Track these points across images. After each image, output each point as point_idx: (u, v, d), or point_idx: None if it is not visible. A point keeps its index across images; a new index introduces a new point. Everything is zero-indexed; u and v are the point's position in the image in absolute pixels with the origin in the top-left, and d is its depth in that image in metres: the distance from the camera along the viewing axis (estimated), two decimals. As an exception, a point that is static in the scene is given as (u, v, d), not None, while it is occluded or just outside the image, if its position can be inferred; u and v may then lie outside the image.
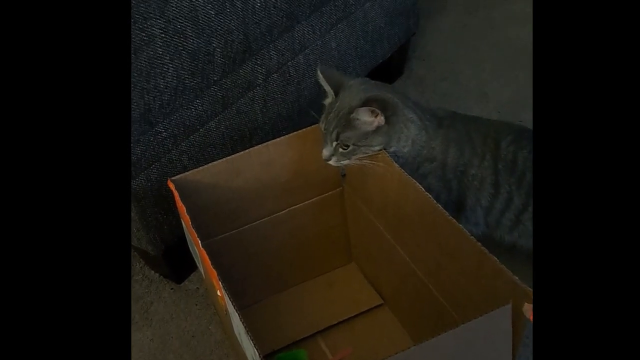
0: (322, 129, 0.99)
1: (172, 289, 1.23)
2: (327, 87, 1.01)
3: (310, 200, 1.12)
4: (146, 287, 1.24)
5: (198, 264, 1.00)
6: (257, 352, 0.71)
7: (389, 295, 1.14)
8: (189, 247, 1.00)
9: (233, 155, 1.02)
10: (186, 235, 0.98)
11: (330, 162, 0.99)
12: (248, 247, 1.11)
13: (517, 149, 1.01)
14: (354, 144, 0.96)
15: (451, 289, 0.92)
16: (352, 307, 1.14)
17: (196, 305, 1.20)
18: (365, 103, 0.94)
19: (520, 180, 1.01)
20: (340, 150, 0.97)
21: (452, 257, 0.88)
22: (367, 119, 0.95)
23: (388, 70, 1.61)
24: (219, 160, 1.01)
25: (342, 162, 0.98)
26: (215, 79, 1.08)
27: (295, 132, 1.05)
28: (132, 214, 1.07)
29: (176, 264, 1.22)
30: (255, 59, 1.15)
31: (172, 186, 0.96)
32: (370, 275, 1.19)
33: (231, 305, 0.77)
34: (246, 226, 1.09)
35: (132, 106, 0.97)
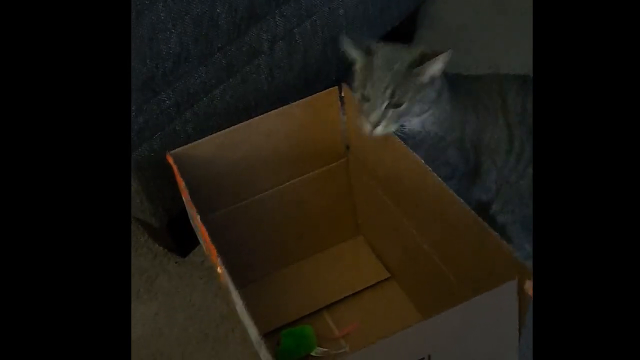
0: (364, 94, 0.94)
1: (176, 262, 1.21)
2: (356, 52, 0.96)
3: (314, 172, 1.10)
4: (150, 260, 1.22)
5: (199, 239, 0.98)
6: (256, 331, 0.69)
7: (396, 268, 1.12)
8: (190, 221, 0.98)
9: (233, 127, 1.00)
10: (187, 210, 0.96)
11: (377, 130, 0.93)
12: (252, 220, 1.08)
13: (524, 98, 0.99)
14: (409, 100, 0.92)
15: (456, 264, 0.91)
16: (359, 281, 1.12)
17: (201, 278, 1.18)
18: (425, 57, 0.91)
19: (531, 129, 0.99)
20: (391, 111, 0.93)
21: (454, 231, 0.86)
22: (438, 66, 0.93)
23: (397, 38, 1.56)
24: (219, 133, 0.99)
25: (389, 128, 0.94)
26: (220, 45, 1.05)
27: (296, 102, 1.02)
28: (135, 185, 1.05)
29: (180, 237, 1.20)
30: (261, 25, 1.11)
31: (171, 160, 0.93)
32: (378, 248, 1.17)
33: (231, 283, 0.75)
34: (249, 199, 1.07)
35: (134, 73, 0.94)
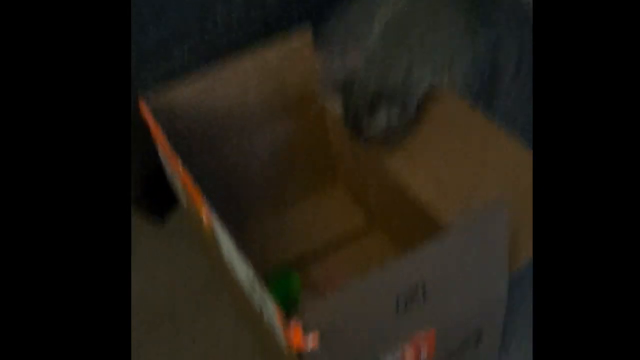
0: None
1: (155, 228, 1.19)
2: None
3: (291, 118, 1.07)
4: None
5: (178, 193, 0.95)
6: (251, 269, 0.68)
7: (379, 215, 1.11)
8: (167, 175, 0.95)
9: (205, 72, 0.97)
10: (163, 163, 0.93)
11: None
12: (229, 169, 1.06)
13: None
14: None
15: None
16: (342, 231, 1.11)
17: (181, 242, 1.16)
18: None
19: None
20: None
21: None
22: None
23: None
24: (191, 78, 0.96)
25: None
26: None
27: (267, 46, 0.99)
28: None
29: (156, 202, 1.17)
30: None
31: (143, 105, 0.90)
32: (358, 195, 1.15)
33: (218, 223, 0.73)
34: (226, 148, 1.04)
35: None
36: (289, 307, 0.98)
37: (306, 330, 0.62)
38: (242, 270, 0.73)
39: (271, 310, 0.67)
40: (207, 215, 0.77)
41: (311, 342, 0.63)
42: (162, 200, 1.18)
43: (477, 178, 0.88)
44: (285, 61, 1.01)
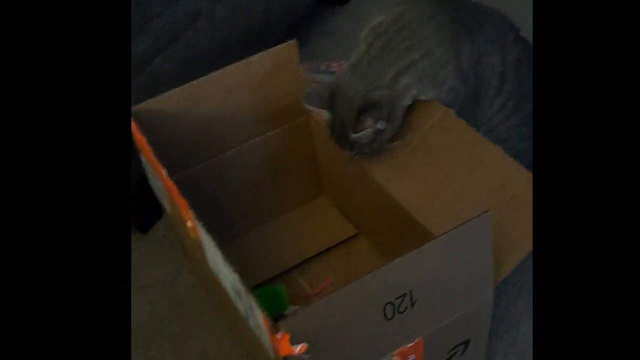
0: None
1: (137, 239, 1.18)
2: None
3: (276, 130, 1.07)
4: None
5: (163, 202, 0.94)
6: (237, 278, 0.67)
7: (364, 224, 1.11)
8: (152, 186, 0.94)
9: (192, 82, 0.96)
10: (148, 174, 0.92)
11: None
12: (215, 181, 1.05)
13: (522, 51, 0.98)
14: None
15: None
16: (327, 239, 1.11)
17: (164, 253, 1.15)
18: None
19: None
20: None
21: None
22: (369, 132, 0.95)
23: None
24: (179, 88, 0.95)
25: None
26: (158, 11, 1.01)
27: (255, 56, 0.99)
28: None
29: (140, 212, 1.16)
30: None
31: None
32: (343, 205, 1.15)
33: (205, 233, 0.72)
34: (212, 159, 1.04)
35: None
36: (275, 315, 0.98)
37: (293, 341, 0.62)
38: (227, 279, 0.72)
39: (258, 318, 0.66)
40: (192, 224, 0.77)
41: (299, 350, 0.63)
42: (145, 214, 1.18)
43: (463, 186, 0.89)
44: (271, 72, 1.01)
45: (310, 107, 0.97)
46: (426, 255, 0.70)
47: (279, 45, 1.00)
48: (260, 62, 1.00)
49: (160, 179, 0.83)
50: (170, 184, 0.78)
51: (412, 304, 0.70)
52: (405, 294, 0.69)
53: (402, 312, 0.70)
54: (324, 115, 0.98)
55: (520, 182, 0.82)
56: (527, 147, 0.99)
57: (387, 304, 0.68)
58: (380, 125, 0.93)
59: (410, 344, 0.75)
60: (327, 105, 0.96)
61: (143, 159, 0.91)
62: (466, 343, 0.84)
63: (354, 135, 0.94)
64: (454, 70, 0.96)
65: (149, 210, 1.12)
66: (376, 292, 0.68)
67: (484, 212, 0.70)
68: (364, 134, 0.93)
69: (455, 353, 0.84)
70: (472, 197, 0.86)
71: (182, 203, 0.76)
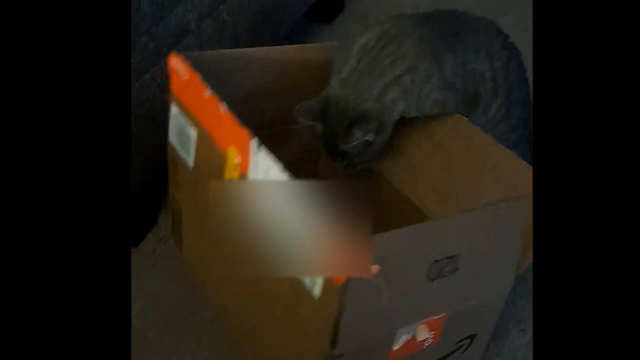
0: None
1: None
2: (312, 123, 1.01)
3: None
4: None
5: (187, 159, 0.93)
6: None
7: (380, 224, 1.10)
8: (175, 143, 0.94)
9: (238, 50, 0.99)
10: (174, 131, 0.92)
11: None
12: None
13: (509, 57, 1.01)
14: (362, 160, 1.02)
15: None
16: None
17: (154, 267, 1.15)
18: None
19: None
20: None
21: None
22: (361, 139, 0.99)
23: (329, 4, 1.57)
24: (222, 50, 0.99)
25: None
26: (145, 28, 1.02)
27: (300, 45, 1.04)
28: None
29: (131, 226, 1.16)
30: (185, 4, 1.09)
31: (176, 60, 0.88)
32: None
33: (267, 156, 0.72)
34: None
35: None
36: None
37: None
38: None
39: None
40: (242, 159, 0.76)
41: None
42: (135, 228, 1.19)
43: (477, 189, 0.92)
44: (306, 63, 1.04)
45: (302, 121, 0.98)
46: (475, 220, 0.73)
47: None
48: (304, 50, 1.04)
49: (219, 111, 0.80)
50: (230, 116, 0.78)
51: (454, 271, 0.73)
52: (452, 257, 0.72)
53: (444, 277, 0.72)
54: (316, 127, 1.00)
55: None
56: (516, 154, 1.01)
57: (434, 262, 0.71)
58: (369, 137, 0.95)
59: (437, 317, 0.77)
60: (318, 117, 0.98)
61: (175, 109, 0.90)
62: (472, 338, 0.86)
63: (344, 147, 0.95)
64: (438, 82, 0.99)
65: (140, 224, 1.13)
66: (429, 244, 0.70)
67: (525, 194, 0.72)
68: (353, 145, 0.95)
69: (460, 347, 0.86)
70: (486, 200, 0.89)
71: (242, 133, 0.75)
